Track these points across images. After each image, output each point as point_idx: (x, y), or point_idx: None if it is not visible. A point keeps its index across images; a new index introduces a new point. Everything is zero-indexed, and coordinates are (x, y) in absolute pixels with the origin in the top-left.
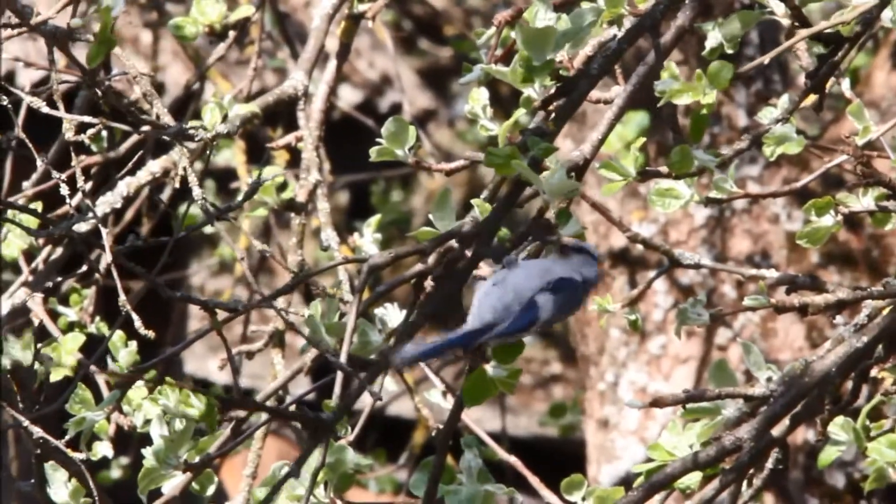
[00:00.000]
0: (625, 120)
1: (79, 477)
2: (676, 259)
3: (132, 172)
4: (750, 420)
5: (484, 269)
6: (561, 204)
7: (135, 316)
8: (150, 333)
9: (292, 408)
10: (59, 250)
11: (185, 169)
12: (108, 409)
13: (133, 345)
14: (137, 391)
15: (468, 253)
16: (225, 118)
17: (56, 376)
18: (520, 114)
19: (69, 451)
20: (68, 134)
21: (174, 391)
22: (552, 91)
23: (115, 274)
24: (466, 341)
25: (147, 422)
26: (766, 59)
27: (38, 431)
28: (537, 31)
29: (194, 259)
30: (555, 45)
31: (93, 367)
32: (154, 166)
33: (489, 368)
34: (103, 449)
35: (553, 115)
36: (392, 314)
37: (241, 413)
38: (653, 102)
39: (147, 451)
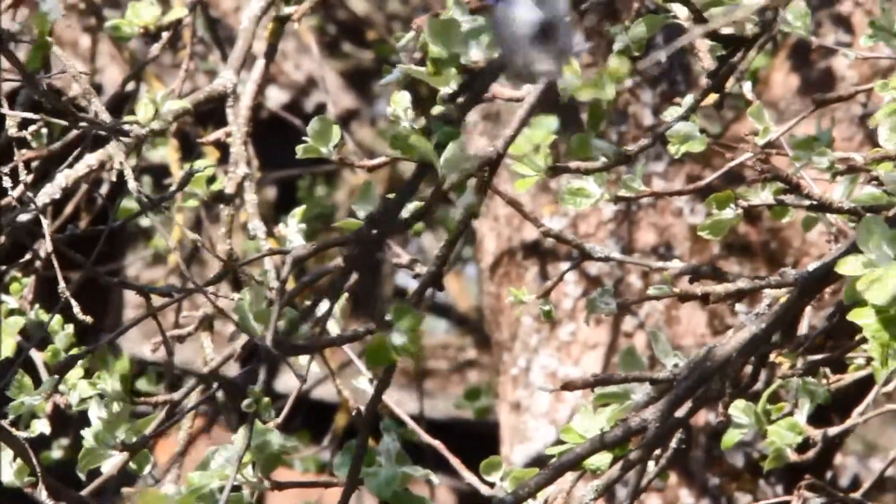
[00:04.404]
0: (533, 124)
1: (22, 454)
2: (588, 252)
3: (70, 166)
4: (656, 403)
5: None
6: (457, 179)
7: (73, 302)
8: (88, 318)
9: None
10: (1, 239)
11: (120, 163)
12: (45, 394)
13: (70, 328)
14: (74, 371)
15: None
16: (156, 114)
17: None
18: (436, 111)
19: (12, 430)
20: (11, 130)
21: (113, 377)
22: (460, 84)
23: (55, 262)
24: None
25: (83, 400)
26: (662, 55)
27: None
28: (443, 23)
29: (129, 251)
30: (463, 38)
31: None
32: (91, 159)
33: (392, 336)
34: (41, 426)
35: (459, 104)
36: (321, 306)
37: (176, 396)
38: (562, 104)
39: (86, 432)
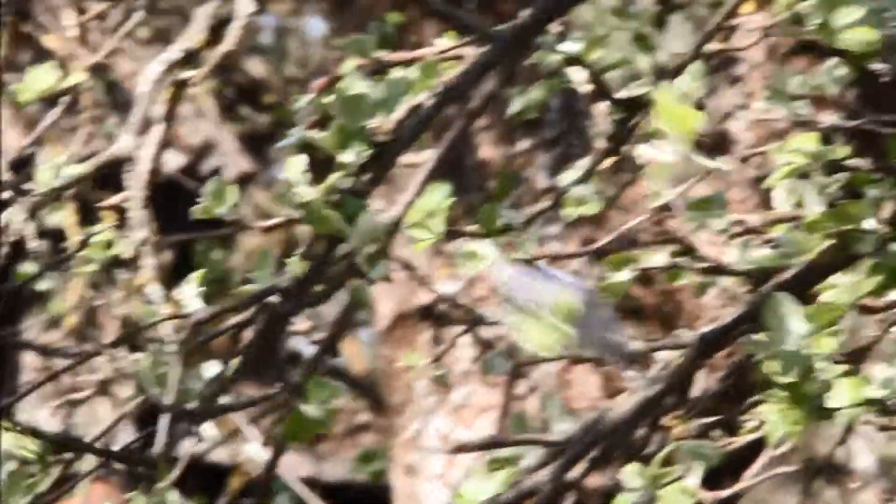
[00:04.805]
0: (429, 189)
1: None
2: (480, 318)
3: None
4: (548, 466)
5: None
6: (369, 250)
7: None
8: None
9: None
10: None
11: (21, 223)
12: None
13: None
14: None
15: (286, 307)
16: (57, 178)
17: None
18: (336, 177)
19: None
20: None
21: (11, 435)
22: (366, 157)
23: None
24: None
25: None
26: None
27: None
28: (351, 98)
29: (26, 315)
30: (369, 111)
31: None
32: None
33: (307, 409)
34: None
35: (367, 178)
36: (211, 368)
37: (67, 456)
38: (459, 167)
39: None
